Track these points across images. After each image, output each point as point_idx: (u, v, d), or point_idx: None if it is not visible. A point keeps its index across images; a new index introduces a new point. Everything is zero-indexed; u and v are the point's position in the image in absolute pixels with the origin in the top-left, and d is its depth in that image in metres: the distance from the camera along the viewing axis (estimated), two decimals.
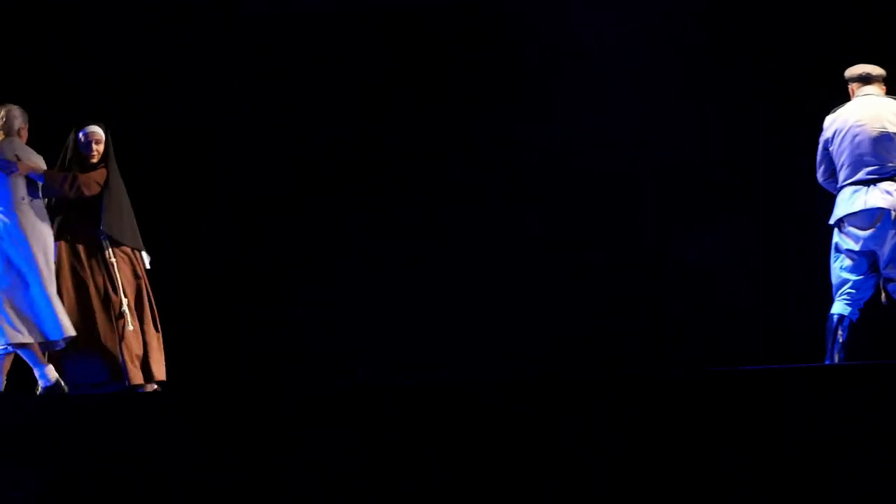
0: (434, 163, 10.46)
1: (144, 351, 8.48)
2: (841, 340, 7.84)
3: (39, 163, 8.41)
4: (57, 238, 8.43)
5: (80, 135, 8.62)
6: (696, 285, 10.05)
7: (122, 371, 8.38)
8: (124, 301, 8.42)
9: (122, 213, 8.55)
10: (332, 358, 10.20)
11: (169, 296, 9.08)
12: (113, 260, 8.46)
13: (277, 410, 7.15)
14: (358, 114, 10.53)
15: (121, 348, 8.39)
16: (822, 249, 8.19)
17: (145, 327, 8.52)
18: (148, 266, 8.66)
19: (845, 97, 8.11)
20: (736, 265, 10.07)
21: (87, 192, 8.43)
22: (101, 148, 8.58)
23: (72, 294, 8.41)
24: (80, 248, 8.50)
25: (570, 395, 6.99)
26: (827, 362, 7.88)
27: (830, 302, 7.96)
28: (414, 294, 10.28)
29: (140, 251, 8.65)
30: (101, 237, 8.47)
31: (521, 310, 10.16)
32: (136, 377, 8.40)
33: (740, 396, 6.86)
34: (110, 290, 8.42)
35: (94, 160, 8.56)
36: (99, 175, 8.50)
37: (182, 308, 9.74)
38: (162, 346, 8.58)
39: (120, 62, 10.42)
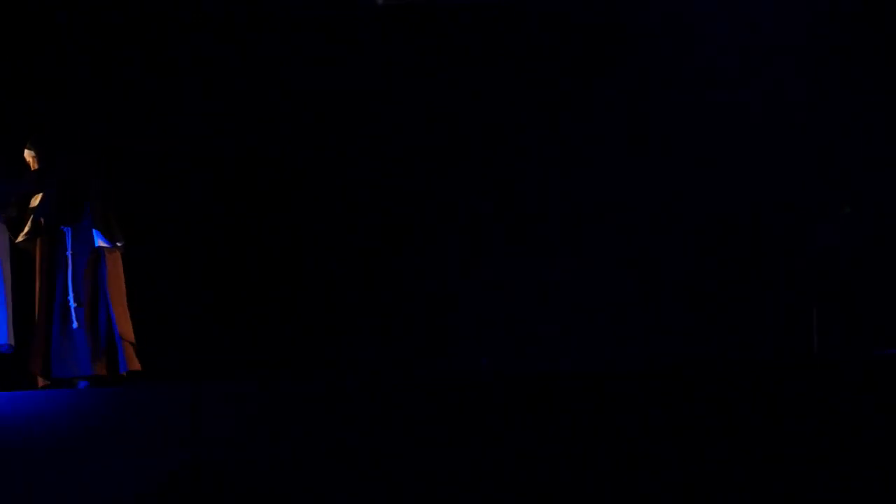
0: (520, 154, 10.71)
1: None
2: None
3: None
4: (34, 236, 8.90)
5: None
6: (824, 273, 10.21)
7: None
8: (70, 298, 8.77)
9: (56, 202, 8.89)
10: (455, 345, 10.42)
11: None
12: (69, 253, 8.82)
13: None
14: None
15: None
16: None
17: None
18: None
19: None
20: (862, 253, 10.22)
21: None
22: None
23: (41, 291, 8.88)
24: (54, 245, 8.89)
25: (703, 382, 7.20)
26: None
27: None
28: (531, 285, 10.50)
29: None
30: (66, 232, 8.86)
31: (648, 297, 10.37)
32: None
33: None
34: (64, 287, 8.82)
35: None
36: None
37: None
38: (76, 344, 8.81)
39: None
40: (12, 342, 8.70)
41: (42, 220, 8.85)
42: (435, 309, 10.59)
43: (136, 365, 8.78)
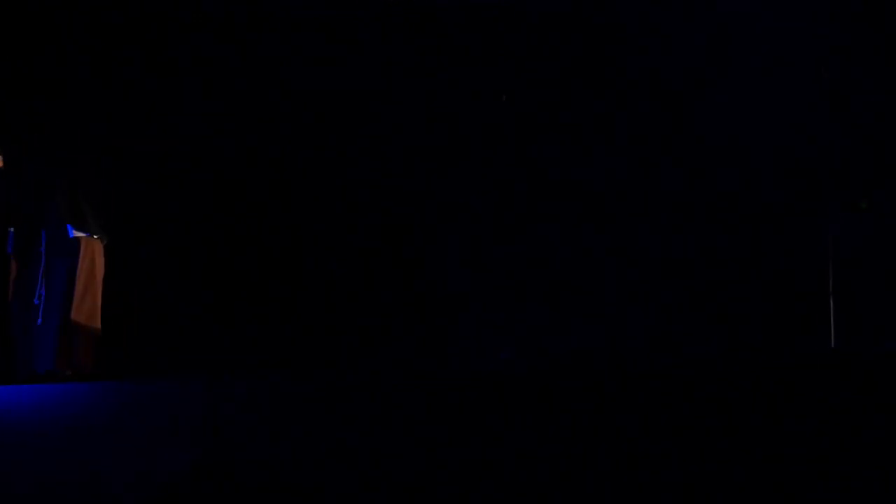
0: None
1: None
2: None
3: None
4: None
5: None
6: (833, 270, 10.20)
7: None
8: (38, 294, 8.83)
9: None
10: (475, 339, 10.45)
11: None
12: (42, 250, 8.88)
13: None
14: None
15: None
16: None
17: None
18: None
19: None
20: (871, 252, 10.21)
21: None
22: None
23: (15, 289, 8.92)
24: (30, 244, 8.97)
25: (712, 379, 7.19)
26: None
27: None
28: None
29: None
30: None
31: (648, 296, 10.36)
32: None
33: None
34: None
35: None
36: None
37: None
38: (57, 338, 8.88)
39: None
40: None
41: (14, 224, 8.83)
42: (435, 309, 10.62)
43: (87, 364, 8.73)
